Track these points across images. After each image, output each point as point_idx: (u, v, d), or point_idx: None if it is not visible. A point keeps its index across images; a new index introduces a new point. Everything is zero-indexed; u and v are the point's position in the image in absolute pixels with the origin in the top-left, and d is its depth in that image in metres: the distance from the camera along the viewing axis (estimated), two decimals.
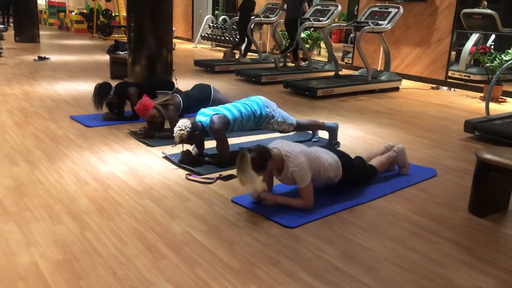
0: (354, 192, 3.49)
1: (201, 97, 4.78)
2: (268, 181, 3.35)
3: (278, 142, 3.22)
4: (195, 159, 3.97)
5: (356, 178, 3.56)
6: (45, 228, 2.79)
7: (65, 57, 10.47)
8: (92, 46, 12.92)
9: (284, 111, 4.34)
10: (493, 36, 9.68)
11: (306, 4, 8.85)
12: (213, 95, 4.82)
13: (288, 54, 9.40)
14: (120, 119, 5.27)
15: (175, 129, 3.78)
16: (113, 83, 5.23)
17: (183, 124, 3.76)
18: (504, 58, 7.30)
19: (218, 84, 7.84)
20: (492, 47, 9.64)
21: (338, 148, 4.27)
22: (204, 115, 3.94)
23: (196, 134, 3.83)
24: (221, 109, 4.00)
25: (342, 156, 3.46)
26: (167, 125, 4.74)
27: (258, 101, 4.15)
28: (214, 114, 3.89)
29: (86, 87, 7.15)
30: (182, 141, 3.80)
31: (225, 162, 3.91)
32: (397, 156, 3.85)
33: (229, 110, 3.98)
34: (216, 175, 3.74)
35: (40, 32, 13.33)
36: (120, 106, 5.29)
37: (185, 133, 3.74)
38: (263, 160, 3.00)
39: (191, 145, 4.10)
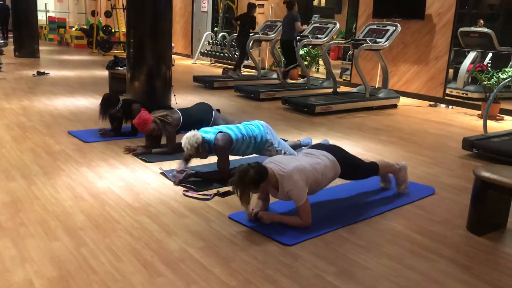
0: (352, 210, 3.47)
1: (202, 118, 4.76)
2: (263, 197, 3.33)
3: (272, 161, 3.20)
4: (191, 175, 3.95)
5: (356, 170, 3.57)
6: (41, 245, 2.77)
7: (65, 72, 10.51)
8: (92, 61, 12.98)
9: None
10: (490, 54, 9.76)
11: (299, 23, 8.90)
12: (214, 118, 4.81)
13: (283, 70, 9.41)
14: (117, 135, 5.24)
15: (183, 140, 3.74)
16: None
17: (194, 135, 3.73)
18: (501, 76, 7.34)
19: (217, 100, 7.86)
20: (489, 65, 9.72)
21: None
22: (208, 133, 3.94)
23: (204, 146, 3.81)
24: (224, 128, 4.01)
25: (336, 151, 3.47)
26: (163, 141, 4.73)
27: (260, 126, 4.16)
28: (218, 132, 3.91)
29: (85, 102, 7.16)
30: (190, 156, 3.80)
31: (224, 179, 3.89)
32: (399, 170, 3.82)
33: (232, 130, 3.98)
34: (214, 191, 3.72)
35: (40, 48, 13.39)
36: (120, 121, 5.27)
37: (195, 144, 3.70)
38: (260, 179, 2.99)
39: (194, 158, 4.04)
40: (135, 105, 5.14)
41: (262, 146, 4.15)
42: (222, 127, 4.03)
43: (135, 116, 5.10)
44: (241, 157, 4.28)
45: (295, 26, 8.88)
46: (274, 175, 3.07)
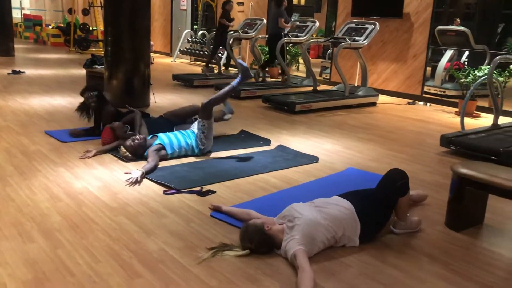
0: None
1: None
2: None
3: (288, 213, 2.88)
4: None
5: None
6: (15, 247, 2.69)
7: (41, 71, 10.31)
8: (69, 60, 12.77)
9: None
10: (466, 53, 9.91)
11: (283, 19, 8.92)
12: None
13: (268, 69, 9.46)
14: (89, 134, 5.09)
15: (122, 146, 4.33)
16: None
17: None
18: (478, 74, 7.46)
19: (196, 99, 7.80)
20: (466, 63, 9.87)
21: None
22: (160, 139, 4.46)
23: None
24: (165, 138, 4.46)
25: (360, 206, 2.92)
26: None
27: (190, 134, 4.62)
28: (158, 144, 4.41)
29: (62, 101, 7.03)
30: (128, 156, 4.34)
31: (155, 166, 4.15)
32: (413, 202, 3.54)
33: (170, 140, 4.46)
34: (197, 189, 3.69)
35: (15, 46, 13.12)
36: (97, 115, 5.14)
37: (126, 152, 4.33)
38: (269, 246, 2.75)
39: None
40: (110, 108, 5.03)
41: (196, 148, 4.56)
42: (162, 136, 4.48)
43: (105, 116, 4.99)
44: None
45: (278, 22, 8.90)
46: (282, 229, 2.77)
